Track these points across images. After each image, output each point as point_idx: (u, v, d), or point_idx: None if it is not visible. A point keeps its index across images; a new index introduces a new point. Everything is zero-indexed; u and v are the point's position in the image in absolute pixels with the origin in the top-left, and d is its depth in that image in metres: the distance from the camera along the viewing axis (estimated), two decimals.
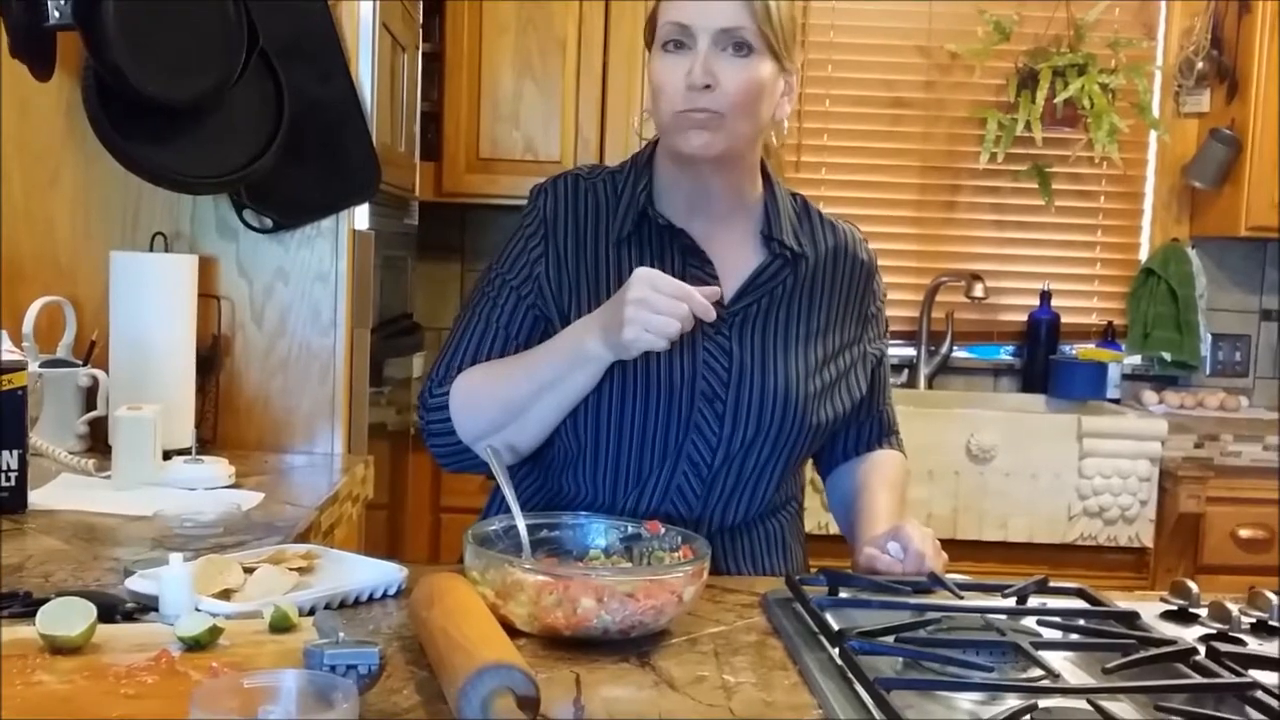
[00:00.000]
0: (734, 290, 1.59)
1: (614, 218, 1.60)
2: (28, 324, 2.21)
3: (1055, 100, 3.49)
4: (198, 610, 1.19)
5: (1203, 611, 1.39)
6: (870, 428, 1.76)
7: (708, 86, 1.47)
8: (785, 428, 1.57)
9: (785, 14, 1.51)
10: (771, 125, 1.59)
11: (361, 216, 2.43)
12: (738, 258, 1.60)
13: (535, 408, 1.52)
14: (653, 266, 1.46)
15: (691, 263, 1.58)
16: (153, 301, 2.20)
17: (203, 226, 2.35)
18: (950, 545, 2.99)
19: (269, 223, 2.35)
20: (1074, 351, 3.69)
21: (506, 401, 1.53)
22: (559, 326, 1.56)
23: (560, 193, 1.62)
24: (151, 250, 2.30)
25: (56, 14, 2.00)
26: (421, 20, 3.04)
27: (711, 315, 1.40)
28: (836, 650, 1.16)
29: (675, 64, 1.49)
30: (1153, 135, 3.72)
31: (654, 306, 1.38)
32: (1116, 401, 3.54)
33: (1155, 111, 3.67)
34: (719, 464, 1.57)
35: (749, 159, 1.59)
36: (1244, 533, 3.09)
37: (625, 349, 1.42)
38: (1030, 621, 1.29)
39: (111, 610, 1.22)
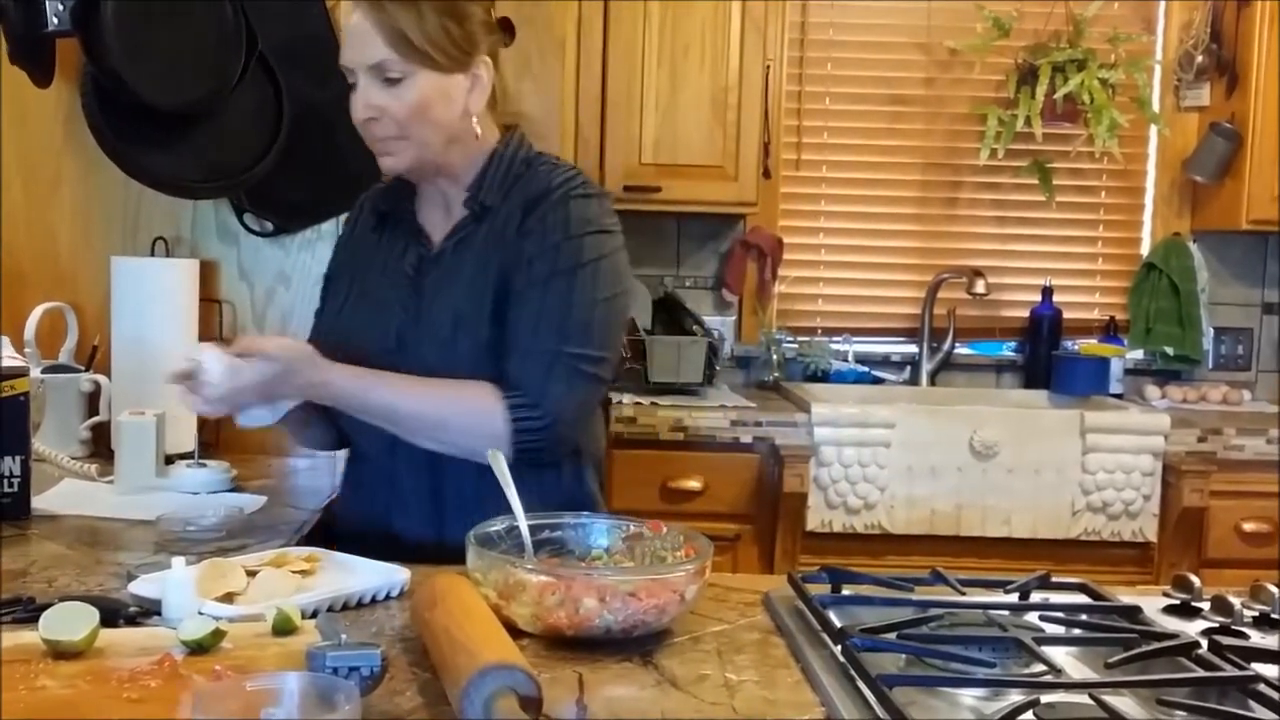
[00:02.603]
0: (435, 249, 1.76)
1: (372, 215, 1.85)
2: (29, 330, 2.22)
3: (1055, 96, 3.49)
4: (200, 614, 1.19)
5: (1205, 605, 1.39)
6: (508, 372, 1.64)
7: (373, 119, 1.65)
8: (456, 358, 1.65)
9: (434, 27, 1.63)
10: (465, 119, 1.70)
11: None
12: (446, 224, 1.76)
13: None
14: (387, 247, 1.78)
15: (415, 241, 1.77)
16: (154, 306, 2.20)
17: (203, 231, 2.36)
18: (954, 542, 3.02)
19: (269, 226, 2.35)
20: (1076, 347, 3.68)
21: None
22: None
23: (358, 205, 1.91)
24: (152, 255, 2.31)
25: (55, 20, 2.00)
26: None
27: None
28: (839, 648, 1.16)
29: (352, 100, 1.67)
30: (1153, 130, 3.72)
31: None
32: (1119, 396, 3.54)
33: (1155, 106, 3.66)
34: None
35: (455, 149, 1.71)
36: (1248, 526, 3.08)
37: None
38: (1033, 617, 1.29)
39: (114, 614, 1.22)
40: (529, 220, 1.68)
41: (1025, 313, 3.74)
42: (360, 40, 1.63)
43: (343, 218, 2.30)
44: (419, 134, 1.66)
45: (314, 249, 2.34)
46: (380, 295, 1.75)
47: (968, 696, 1.09)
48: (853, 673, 1.11)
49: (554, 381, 1.61)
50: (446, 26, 1.64)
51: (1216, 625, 1.33)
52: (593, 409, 1.75)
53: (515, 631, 1.19)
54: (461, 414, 1.62)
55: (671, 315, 3.57)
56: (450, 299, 1.69)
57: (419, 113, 1.65)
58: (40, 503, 1.78)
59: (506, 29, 1.78)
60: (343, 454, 1.86)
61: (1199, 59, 3.60)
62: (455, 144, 1.71)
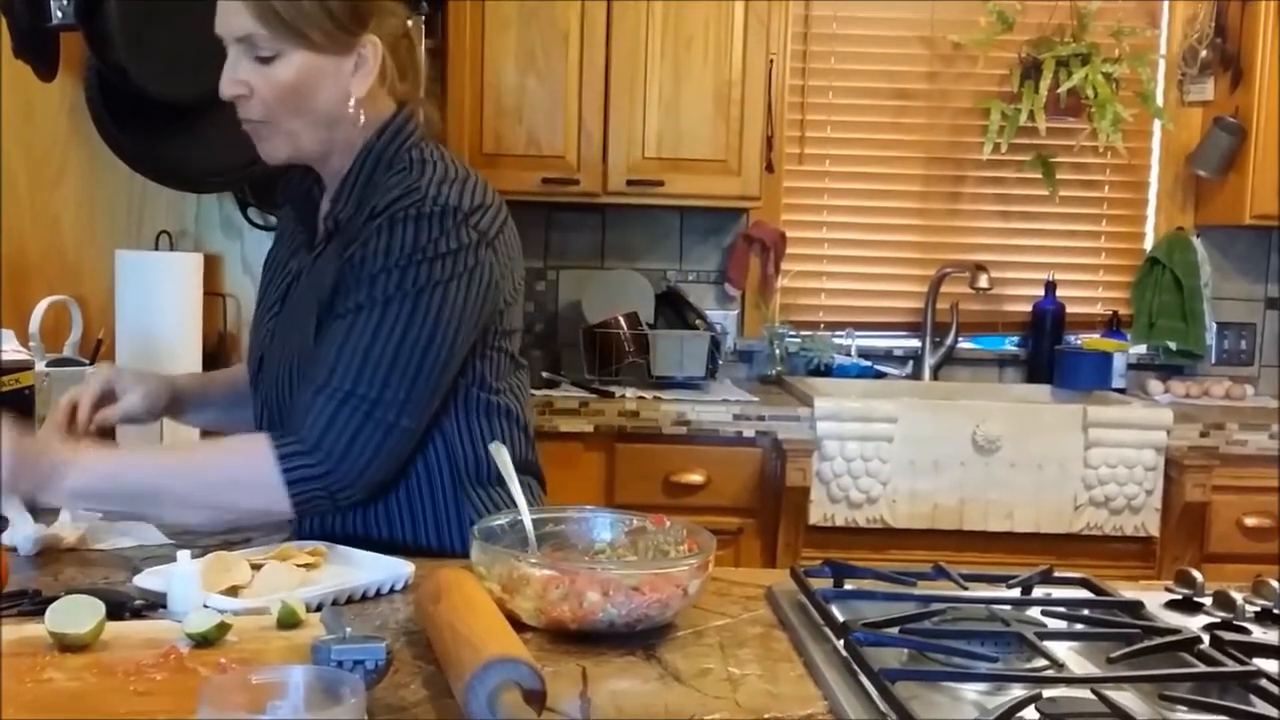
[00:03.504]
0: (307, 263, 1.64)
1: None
2: (34, 323, 2.22)
3: (1059, 90, 3.49)
4: (206, 607, 1.19)
5: (1207, 600, 1.39)
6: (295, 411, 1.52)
7: (241, 96, 1.51)
8: (293, 401, 1.54)
9: (310, 2, 1.47)
10: (344, 104, 1.54)
11: None
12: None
13: None
14: (291, 247, 1.65)
15: (307, 246, 1.64)
16: (158, 300, 2.21)
17: (207, 225, 2.36)
18: (956, 536, 3.03)
19: (273, 220, 2.35)
20: (1079, 341, 3.68)
21: None
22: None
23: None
24: (156, 249, 2.31)
25: (59, 14, 2.01)
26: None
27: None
28: (841, 642, 1.17)
29: (223, 73, 1.52)
30: (1157, 124, 3.71)
31: None
32: (1122, 391, 3.54)
33: (1159, 100, 3.66)
34: (281, 404, 1.58)
35: (335, 136, 1.57)
36: (1250, 521, 3.08)
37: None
38: (1035, 612, 1.29)
39: (120, 607, 1.22)
40: (352, 245, 1.52)
41: (1028, 307, 3.74)
42: (228, 8, 1.48)
43: None
44: (289, 119, 1.52)
45: None
46: (265, 309, 1.67)
47: (970, 691, 1.09)
48: (855, 667, 1.11)
49: (337, 426, 1.45)
50: (326, 2, 1.48)
51: (1218, 620, 1.33)
52: (392, 457, 1.51)
53: (519, 625, 1.20)
54: (230, 475, 1.47)
55: (674, 309, 3.57)
56: (295, 330, 1.57)
57: (290, 96, 1.50)
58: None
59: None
60: None
61: (1203, 53, 3.60)
62: (335, 131, 1.55)
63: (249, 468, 1.46)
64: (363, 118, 1.55)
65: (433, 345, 1.49)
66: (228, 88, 1.51)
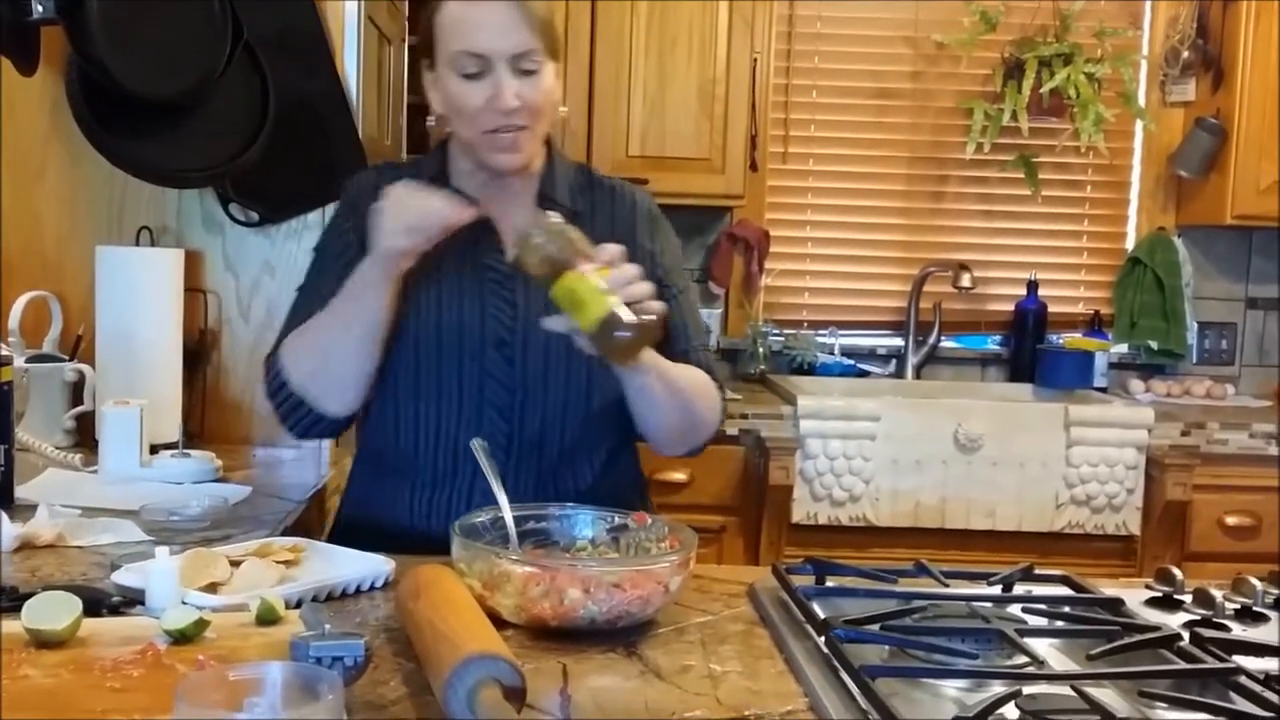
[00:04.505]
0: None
1: None
2: (14, 319, 2.21)
3: (1041, 90, 3.50)
4: (184, 603, 1.19)
5: (1187, 598, 1.40)
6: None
7: (516, 109, 1.61)
8: (575, 365, 1.65)
9: (551, 16, 1.66)
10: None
11: None
12: (506, 217, 1.70)
13: (335, 347, 1.64)
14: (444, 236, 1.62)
15: (481, 232, 1.68)
16: (139, 296, 2.19)
17: (189, 221, 2.35)
18: (938, 534, 3.04)
19: (255, 216, 2.34)
20: (1061, 341, 3.69)
21: (314, 344, 1.66)
22: None
23: (362, 182, 1.77)
24: (137, 245, 2.30)
25: (40, 8, 1.99)
26: (408, 13, 3.03)
27: (463, 215, 1.57)
28: (822, 639, 1.17)
29: (475, 89, 1.61)
30: (1139, 125, 3.73)
31: (403, 207, 1.56)
32: (1103, 390, 3.55)
33: (1141, 101, 3.67)
34: (519, 402, 1.66)
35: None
36: (1231, 520, 3.10)
37: (384, 256, 1.58)
38: (1015, 609, 1.29)
39: (98, 604, 1.22)
40: (651, 225, 1.77)
41: (1010, 306, 3.75)
42: (505, 27, 1.59)
43: (328, 207, 2.31)
44: (540, 127, 1.66)
45: (300, 239, 2.32)
46: (461, 286, 1.68)
47: (950, 688, 1.09)
48: (836, 664, 1.11)
49: (719, 375, 1.76)
50: (552, 11, 1.67)
51: (1198, 618, 1.34)
52: None
53: (499, 622, 1.20)
54: (703, 390, 1.70)
55: None
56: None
57: (547, 105, 1.65)
58: (24, 492, 1.77)
59: None
60: (328, 444, 1.85)
61: (1185, 54, 3.61)
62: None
63: (711, 391, 1.72)
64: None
65: None
66: (510, 100, 1.59)
